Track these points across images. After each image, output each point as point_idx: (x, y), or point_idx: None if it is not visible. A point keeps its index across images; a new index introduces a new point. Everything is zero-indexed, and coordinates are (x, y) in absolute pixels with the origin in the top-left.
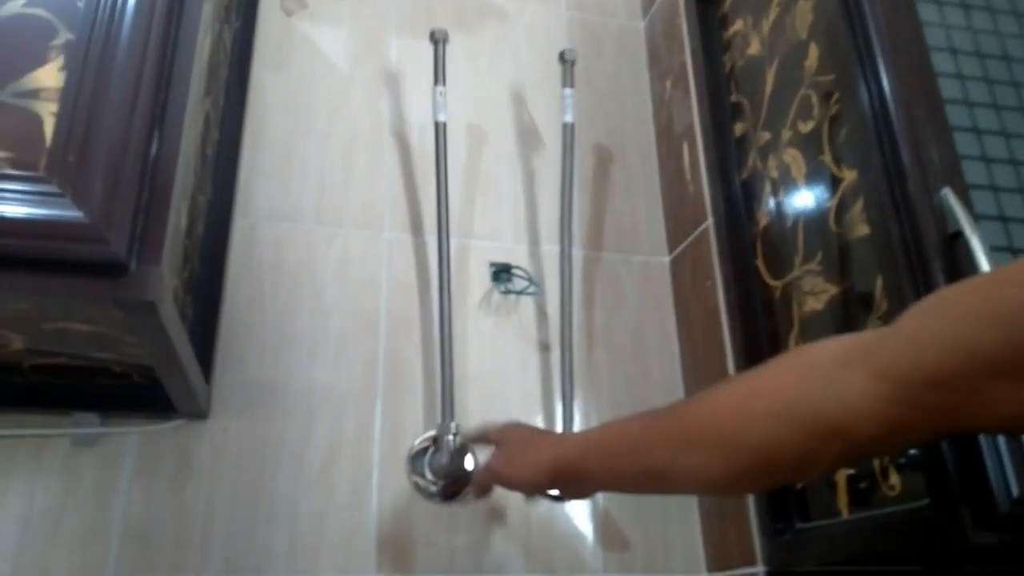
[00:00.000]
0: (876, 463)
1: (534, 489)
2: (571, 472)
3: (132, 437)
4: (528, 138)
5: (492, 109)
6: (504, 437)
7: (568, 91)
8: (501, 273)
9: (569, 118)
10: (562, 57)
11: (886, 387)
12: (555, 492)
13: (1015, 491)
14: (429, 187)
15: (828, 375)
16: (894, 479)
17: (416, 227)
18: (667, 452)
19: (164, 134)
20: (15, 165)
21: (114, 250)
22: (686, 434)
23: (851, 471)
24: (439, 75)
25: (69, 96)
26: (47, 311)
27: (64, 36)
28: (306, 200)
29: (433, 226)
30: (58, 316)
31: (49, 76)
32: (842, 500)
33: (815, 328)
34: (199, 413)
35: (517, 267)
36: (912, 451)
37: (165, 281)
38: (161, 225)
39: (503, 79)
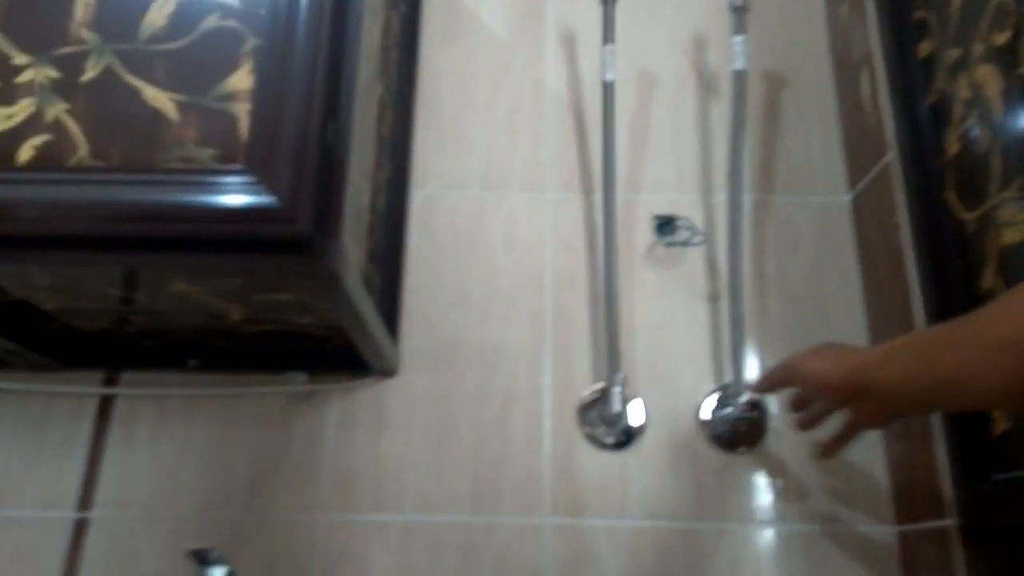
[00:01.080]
0: None
1: (824, 388)
2: (866, 380)
3: (335, 393)
4: (693, 86)
5: (656, 59)
6: (814, 347)
7: (739, 38)
8: (664, 225)
9: (740, 65)
10: (732, 5)
11: None
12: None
13: None
14: (588, 145)
15: None
16: None
17: (578, 186)
18: (961, 357)
19: (338, 122)
20: (220, 160)
21: (301, 229)
22: (981, 337)
23: None
24: (608, 34)
25: (258, 95)
26: (254, 285)
27: (252, 42)
28: (474, 168)
29: (594, 184)
30: (263, 288)
31: (242, 79)
32: None
33: (1016, 262)
34: (389, 370)
35: (681, 218)
36: None
37: (346, 253)
38: (339, 204)
39: (667, 26)
